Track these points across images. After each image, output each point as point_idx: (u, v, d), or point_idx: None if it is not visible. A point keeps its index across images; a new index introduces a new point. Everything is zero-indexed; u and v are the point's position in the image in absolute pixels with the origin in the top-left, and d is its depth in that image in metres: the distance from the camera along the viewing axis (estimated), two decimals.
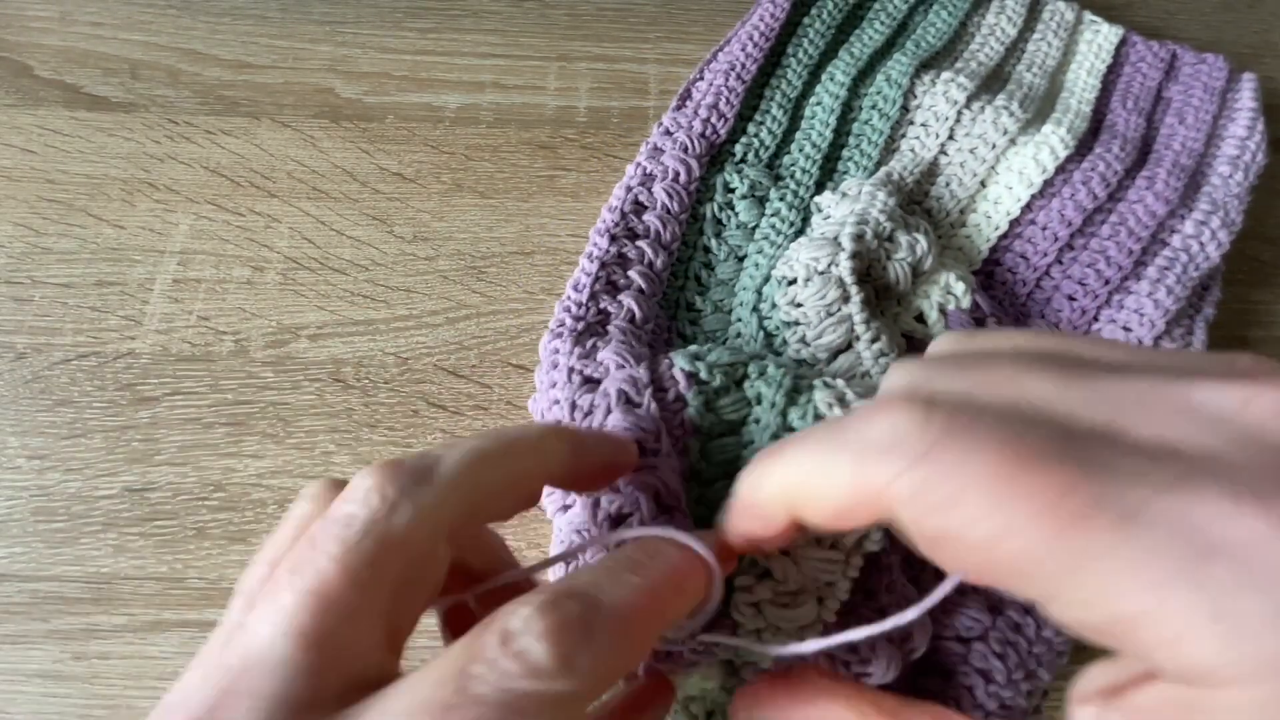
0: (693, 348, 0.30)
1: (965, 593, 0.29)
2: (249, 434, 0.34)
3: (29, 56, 0.43)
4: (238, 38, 0.44)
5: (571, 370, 0.30)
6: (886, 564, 0.27)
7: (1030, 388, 0.16)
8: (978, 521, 0.15)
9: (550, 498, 0.29)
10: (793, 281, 0.33)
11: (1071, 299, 0.36)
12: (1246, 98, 0.41)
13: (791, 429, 0.27)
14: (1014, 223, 0.37)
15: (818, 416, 0.26)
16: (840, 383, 0.27)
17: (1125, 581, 0.14)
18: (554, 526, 0.28)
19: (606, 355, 0.30)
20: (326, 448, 0.34)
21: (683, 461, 0.28)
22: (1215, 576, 0.13)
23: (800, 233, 0.36)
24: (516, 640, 0.16)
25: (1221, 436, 0.15)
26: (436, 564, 0.19)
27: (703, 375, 0.28)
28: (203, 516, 0.33)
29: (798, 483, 0.18)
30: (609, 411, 0.28)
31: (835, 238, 0.33)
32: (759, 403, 0.28)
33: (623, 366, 0.29)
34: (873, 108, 0.40)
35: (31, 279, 0.37)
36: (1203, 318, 0.35)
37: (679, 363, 0.29)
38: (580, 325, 0.32)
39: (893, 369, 0.19)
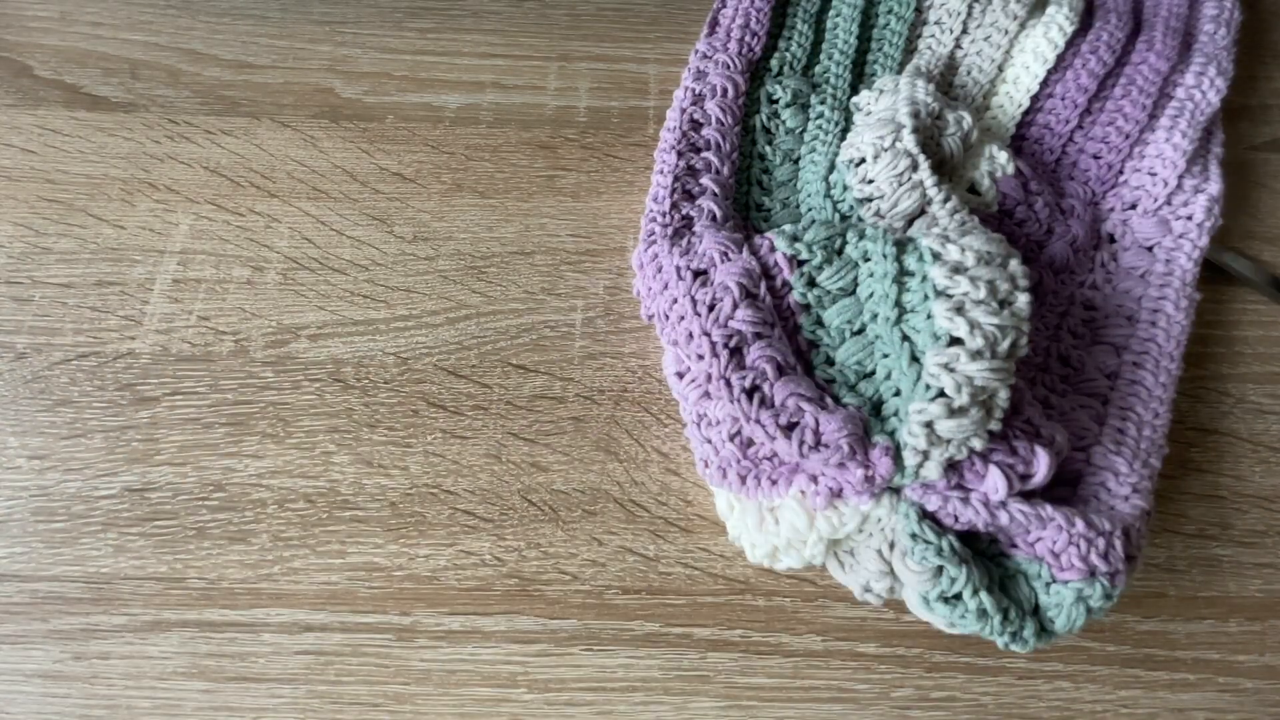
0: (787, 226, 0.33)
1: (1066, 414, 0.32)
2: (249, 434, 0.34)
3: (29, 56, 0.43)
4: (238, 38, 0.44)
5: (679, 269, 0.33)
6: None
7: None
8: None
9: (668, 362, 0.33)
10: (861, 161, 0.36)
11: (1097, 157, 0.39)
12: None
13: (909, 273, 0.30)
14: (1034, 99, 0.41)
15: (933, 253, 0.29)
16: (935, 229, 0.30)
17: None
18: (678, 394, 0.33)
19: (708, 246, 0.33)
20: (326, 448, 0.34)
21: (797, 338, 0.31)
22: None
23: (845, 131, 0.39)
24: None
25: None
26: None
27: (803, 255, 0.31)
28: (203, 516, 0.33)
29: None
30: (735, 306, 0.31)
31: (893, 118, 0.36)
32: (867, 259, 0.31)
33: (726, 254, 0.32)
34: (889, 12, 0.43)
35: (31, 279, 0.37)
36: (1214, 156, 0.39)
37: (780, 246, 0.32)
38: (669, 231, 0.35)
39: None
